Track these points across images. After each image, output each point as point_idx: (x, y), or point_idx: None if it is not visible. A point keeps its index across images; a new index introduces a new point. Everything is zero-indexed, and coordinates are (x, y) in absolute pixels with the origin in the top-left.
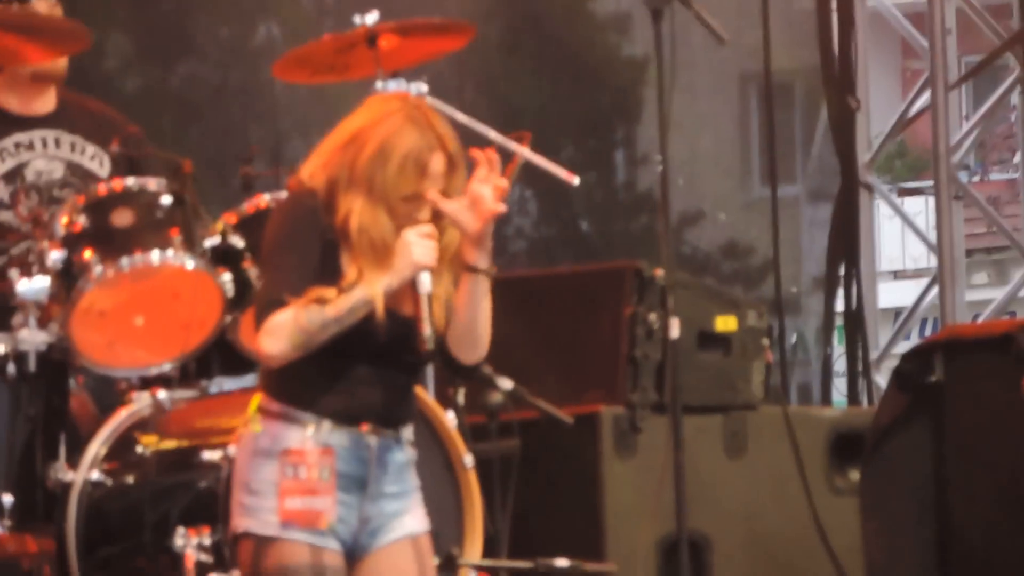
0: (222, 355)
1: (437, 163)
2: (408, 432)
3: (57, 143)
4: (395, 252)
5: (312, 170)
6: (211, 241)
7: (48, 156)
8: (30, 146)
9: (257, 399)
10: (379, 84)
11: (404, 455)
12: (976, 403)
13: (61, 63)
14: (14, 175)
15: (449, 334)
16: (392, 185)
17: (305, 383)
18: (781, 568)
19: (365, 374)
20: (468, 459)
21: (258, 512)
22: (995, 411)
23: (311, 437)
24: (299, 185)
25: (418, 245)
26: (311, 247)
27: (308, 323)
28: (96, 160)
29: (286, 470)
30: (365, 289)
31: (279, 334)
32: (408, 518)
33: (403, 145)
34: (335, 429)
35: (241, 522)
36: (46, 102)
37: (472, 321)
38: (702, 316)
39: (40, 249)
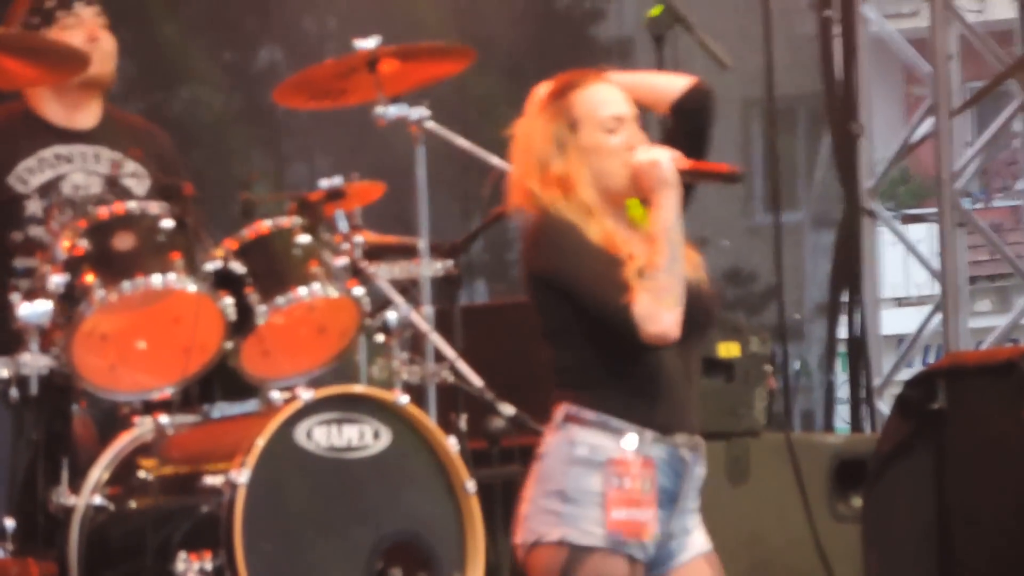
0: (224, 380)
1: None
2: (702, 443)
3: (97, 158)
4: (641, 181)
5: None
6: (213, 265)
7: (87, 171)
8: (69, 159)
9: (561, 408)
10: (380, 108)
11: (703, 469)
12: (979, 430)
13: (109, 69)
14: (50, 188)
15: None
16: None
17: (617, 390)
18: None
19: (672, 364)
20: (470, 484)
21: (578, 521)
22: (998, 438)
23: (634, 448)
24: (536, 209)
25: (655, 153)
26: (593, 248)
27: (658, 283)
28: (135, 178)
29: (611, 480)
30: (662, 217)
31: (652, 313)
32: (697, 534)
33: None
34: (655, 441)
35: (554, 530)
36: (90, 115)
37: (642, 92)
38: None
39: (42, 273)
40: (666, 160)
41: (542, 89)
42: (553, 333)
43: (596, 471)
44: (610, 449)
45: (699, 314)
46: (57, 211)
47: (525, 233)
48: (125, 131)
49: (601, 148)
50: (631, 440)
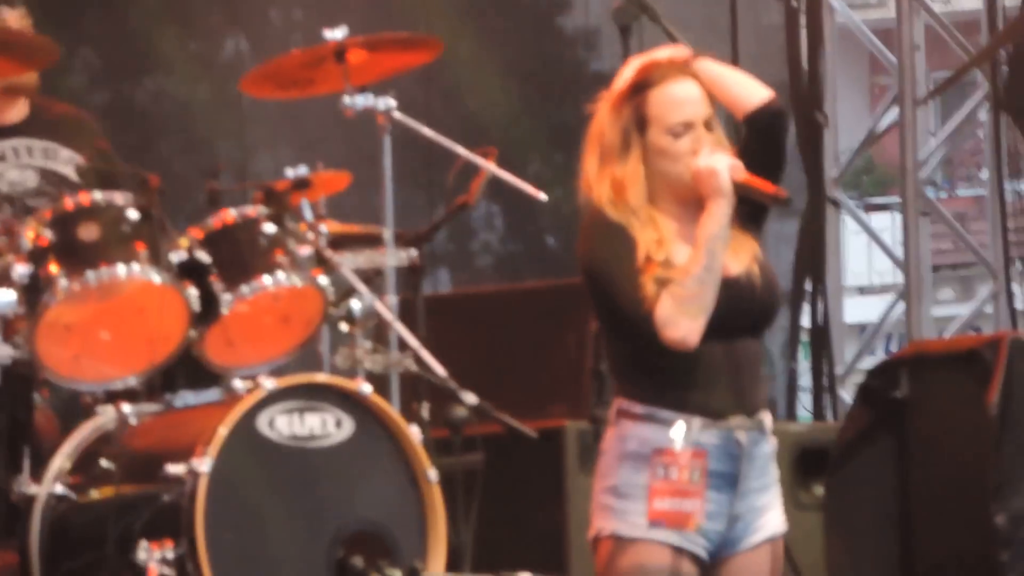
0: (187, 368)
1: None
2: (768, 419)
3: (29, 151)
4: (698, 186)
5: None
6: (177, 256)
7: (20, 165)
8: (1, 157)
9: (615, 403)
10: (347, 99)
11: (769, 446)
12: (941, 419)
13: (31, 76)
14: None
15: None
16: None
17: (665, 380)
18: None
19: (719, 355)
20: (432, 473)
21: (626, 515)
22: (960, 427)
23: (682, 438)
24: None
25: (715, 161)
26: (631, 251)
27: (686, 290)
28: (71, 164)
29: (657, 471)
30: (708, 225)
31: (672, 319)
32: (771, 515)
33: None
34: (705, 428)
35: (607, 524)
36: (16, 113)
37: (723, 92)
38: None
39: (6, 263)
40: (724, 169)
41: (627, 72)
42: (603, 321)
43: (643, 464)
44: (658, 440)
45: (747, 308)
46: None
47: (581, 228)
48: (54, 119)
49: (666, 151)
50: (679, 430)
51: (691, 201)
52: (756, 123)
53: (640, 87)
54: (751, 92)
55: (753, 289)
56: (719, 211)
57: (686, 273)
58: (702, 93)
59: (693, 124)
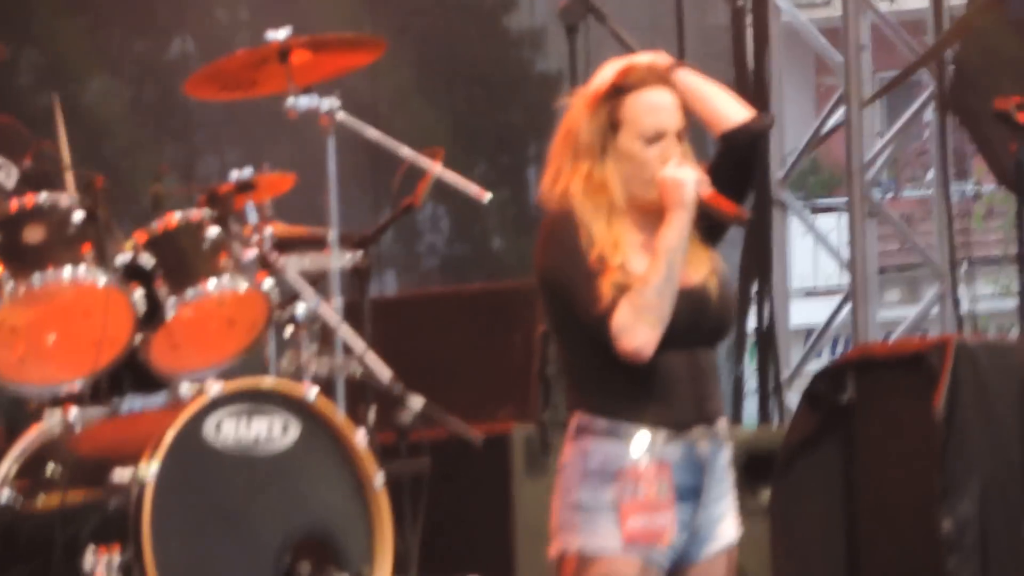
0: (133, 372)
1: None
2: (724, 425)
3: None
4: (662, 196)
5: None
6: (122, 258)
7: None
8: None
9: (575, 417)
10: (291, 100)
11: (726, 454)
12: (887, 422)
13: None
14: None
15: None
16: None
17: (626, 392)
18: None
19: (680, 365)
20: (378, 478)
21: (593, 531)
22: (906, 430)
23: (645, 453)
24: (549, 213)
25: (682, 173)
26: (587, 256)
27: (644, 300)
28: (3, 171)
29: (625, 489)
30: (668, 236)
31: (629, 327)
32: (727, 523)
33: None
34: (668, 441)
35: (574, 541)
36: None
37: (701, 105)
38: None
39: None
40: (690, 182)
41: (606, 73)
42: (556, 331)
43: (610, 481)
44: (622, 458)
45: (705, 319)
46: None
47: (540, 227)
48: None
49: (635, 157)
50: (643, 444)
51: (651, 210)
52: (733, 141)
53: (618, 90)
54: (731, 110)
55: (711, 300)
56: (679, 223)
57: (645, 282)
58: (677, 103)
59: (665, 133)
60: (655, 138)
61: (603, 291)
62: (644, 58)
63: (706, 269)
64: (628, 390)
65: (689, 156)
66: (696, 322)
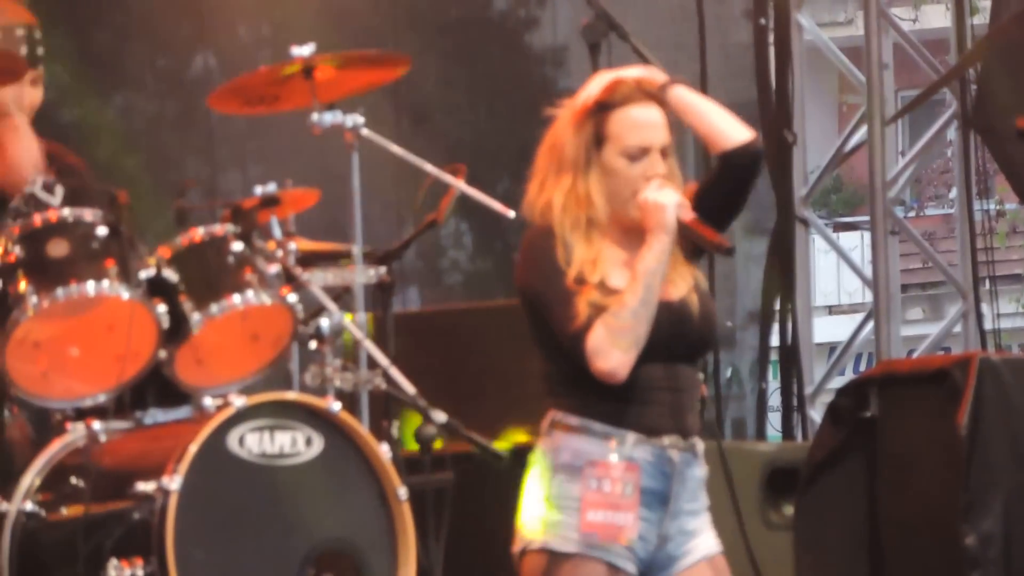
0: (156, 386)
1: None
2: (700, 445)
3: None
4: (642, 217)
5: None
6: (146, 273)
7: None
8: None
9: (548, 415)
10: (315, 116)
11: (701, 470)
12: (910, 438)
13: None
14: None
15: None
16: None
17: (601, 394)
18: None
19: (658, 375)
20: (402, 491)
21: (558, 527)
22: (929, 446)
23: (615, 451)
24: (531, 227)
25: (664, 196)
26: (564, 273)
27: (620, 322)
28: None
29: (590, 483)
30: (647, 259)
31: (604, 349)
32: (703, 538)
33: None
34: (639, 443)
35: (538, 537)
36: None
37: (699, 123)
38: None
39: None
40: (672, 205)
41: (593, 87)
42: (537, 341)
43: (576, 477)
44: (591, 453)
45: (685, 334)
46: None
47: (522, 241)
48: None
49: (618, 173)
50: (614, 443)
51: (633, 227)
52: (731, 161)
53: (603, 105)
54: (732, 130)
55: (692, 316)
56: (659, 247)
57: (621, 305)
58: (665, 120)
59: (649, 149)
60: (639, 155)
61: (579, 310)
62: (632, 73)
63: (687, 285)
64: (603, 393)
65: (675, 174)
66: (676, 337)
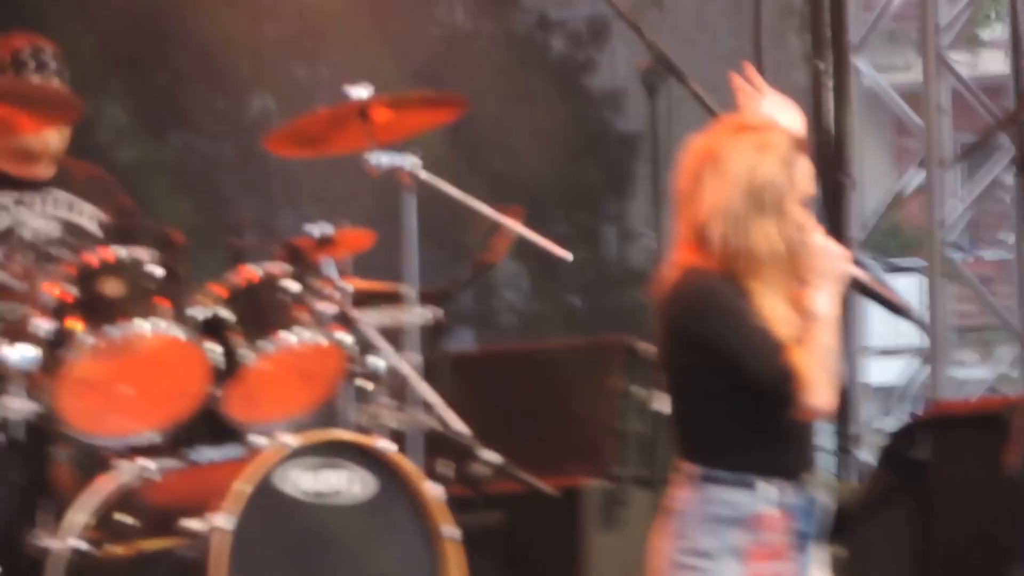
0: (208, 425)
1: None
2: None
3: (55, 202)
4: (813, 261)
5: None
6: (201, 312)
7: (45, 215)
8: (28, 205)
9: (696, 467)
10: (372, 157)
11: (823, 499)
12: (962, 481)
13: (51, 142)
14: (8, 234)
15: None
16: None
17: (754, 444)
18: None
19: (788, 420)
20: (453, 532)
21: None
22: (981, 489)
23: (772, 501)
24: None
25: (831, 249)
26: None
27: (824, 360)
28: (94, 220)
29: (751, 536)
30: (829, 304)
31: (816, 385)
32: (815, 568)
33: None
34: (789, 489)
35: None
36: (45, 169)
37: None
38: None
39: (23, 316)
40: (842, 256)
41: (780, 130)
42: (689, 390)
43: (734, 527)
44: (749, 504)
45: None
46: (17, 254)
47: (678, 288)
48: (79, 176)
49: (800, 219)
50: (770, 493)
51: (783, 272)
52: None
53: (797, 148)
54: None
55: None
56: (836, 294)
57: (818, 344)
58: None
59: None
60: (807, 205)
61: (782, 346)
62: (792, 121)
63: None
64: (756, 442)
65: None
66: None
